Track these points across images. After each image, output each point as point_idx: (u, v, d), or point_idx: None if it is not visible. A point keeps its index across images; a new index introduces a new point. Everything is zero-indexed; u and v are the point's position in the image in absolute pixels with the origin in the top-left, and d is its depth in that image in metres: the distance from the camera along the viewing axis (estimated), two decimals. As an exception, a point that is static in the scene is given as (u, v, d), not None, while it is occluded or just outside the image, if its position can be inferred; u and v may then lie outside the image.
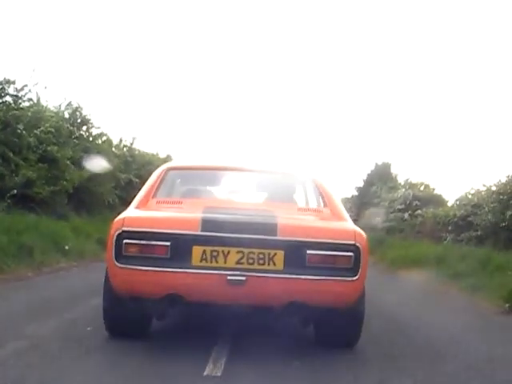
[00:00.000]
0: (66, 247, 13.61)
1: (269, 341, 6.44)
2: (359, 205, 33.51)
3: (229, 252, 5.45)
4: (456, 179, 50.32)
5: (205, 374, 5.15)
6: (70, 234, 14.69)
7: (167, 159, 27.84)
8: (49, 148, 16.30)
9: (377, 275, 16.83)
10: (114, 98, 53.33)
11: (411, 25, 55.42)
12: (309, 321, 6.36)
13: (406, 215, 24.95)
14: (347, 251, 5.57)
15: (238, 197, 7.06)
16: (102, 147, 21.01)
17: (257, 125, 65.60)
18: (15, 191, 14.21)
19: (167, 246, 5.46)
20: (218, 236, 5.46)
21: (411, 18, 53.53)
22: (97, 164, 15.98)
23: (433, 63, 53.70)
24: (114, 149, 23.55)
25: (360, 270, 5.58)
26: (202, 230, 5.49)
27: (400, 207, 25.85)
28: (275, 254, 5.48)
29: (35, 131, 16.09)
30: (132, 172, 23.39)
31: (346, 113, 62.68)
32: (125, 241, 5.49)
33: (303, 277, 5.47)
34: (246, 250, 5.45)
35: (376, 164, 35.50)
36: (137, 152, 25.84)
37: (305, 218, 6.42)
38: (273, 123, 68.50)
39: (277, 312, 5.80)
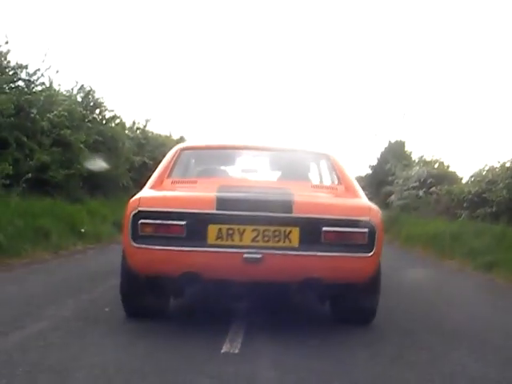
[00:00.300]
0: (82, 230, 13.68)
1: (285, 318, 6.49)
2: (374, 183, 33.40)
3: (244, 230, 5.45)
4: (470, 156, 50.13)
5: (222, 351, 5.19)
6: (86, 217, 14.75)
7: (180, 141, 27.85)
8: (62, 132, 16.32)
9: (392, 253, 16.86)
10: (127, 80, 53.46)
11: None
12: (325, 297, 6.40)
13: (421, 193, 24.86)
14: (362, 227, 5.56)
15: (253, 175, 7.07)
16: (116, 130, 21.03)
17: (271, 104, 65.37)
18: (30, 175, 14.26)
19: (183, 225, 5.45)
20: (233, 214, 5.46)
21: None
22: (97, 164, 15.98)
23: (445, 37, 53.32)
24: (127, 131, 23.57)
25: (375, 247, 5.58)
26: (217, 209, 5.48)
27: (414, 185, 25.74)
28: (290, 231, 5.47)
29: (48, 115, 16.10)
30: (146, 154, 23.42)
31: (358, 90, 62.33)
32: (141, 221, 5.50)
33: (319, 253, 5.48)
34: (261, 228, 5.45)
35: (389, 142, 35.30)
36: (150, 134, 25.85)
37: (320, 195, 6.42)
38: (286, 102, 68.32)
39: (293, 288, 5.86)
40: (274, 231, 5.47)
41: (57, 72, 17.27)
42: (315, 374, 4.72)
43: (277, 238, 5.47)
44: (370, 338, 6.04)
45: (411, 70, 58.90)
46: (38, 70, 16.38)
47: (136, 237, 5.52)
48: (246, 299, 6.96)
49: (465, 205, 19.52)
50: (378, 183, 32.06)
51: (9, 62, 15.91)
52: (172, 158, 6.89)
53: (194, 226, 5.46)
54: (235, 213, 5.46)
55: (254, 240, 5.46)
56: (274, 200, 5.61)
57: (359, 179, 39.38)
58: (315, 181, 7.24)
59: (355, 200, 6.27)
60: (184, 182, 6.65)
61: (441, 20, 55.57)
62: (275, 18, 61.84)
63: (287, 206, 5.54)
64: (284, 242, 5.47)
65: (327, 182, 7.10)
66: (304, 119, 64.93)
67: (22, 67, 16.06)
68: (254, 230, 5.46)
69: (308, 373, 4.72)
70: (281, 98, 64.26)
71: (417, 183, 25.71)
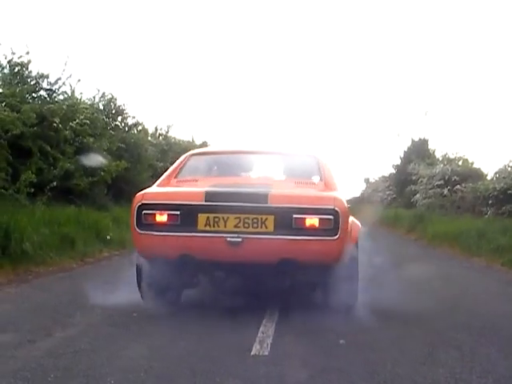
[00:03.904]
0: (108, 237, 13.72)
1: (313, 320, 6.47)
2: (398, 183, 33.33)
3: (228, 218, 6.40)
4: (495, 152, 49.82)
5: (252, 353, 5.22)
6: (111, 224, 14.79)
7: (203, 146, 27.95)
8: (85, 140, 16.44)
9: (419, 251, 16.80)
10: (148, 87, 53.63)
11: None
12: (313, 284, 7.16)
13: (446, 191, 24.76)
14: (327, 214, 6.41)
15: (249, 175, 8.08)
16: (138, 137, 21.13)
17: (293, 107, 65.47)
18: (55, 183, 14.36)
19: (177, 214, 6.49)
20: (218, 205, 6.43)
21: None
22: (93, 159, 15.93)
23: (470, 32, 52.98)
24: (149, 138, 23.68)
25: (339, 231, 6.39)
26: (205, 201, 6.49)
27: (439, 183, 25.66)
28: (266, 218, 6.39)
29: (71, 124, 16.23)
30: (169, 160, 23.43)
31: (380, 91, 62.19)
32: (144, 211, 6.60)
33: (290, 237, 6.37)
34: (242, 216, 6.39)
35: (413, 140, 35.18)
36: (173, 140, 25.96)
37: (296, 189, 7.21)
38: (310, 105, 68.44)
39: (272, 269, 6.58)
40: (253, 219, 6.39)
41: (78, 81, 17.56)
42: (344, 375, 4.71)
43: (255, 225, 6.39)
44: (398, 337, 6.03)
45: (433, 67, 58.71)
46: (60, 79, 16.55)
47: (140, 224, 6.62)
48: (273, 301, 7.00)
49: (490, 202, 19.41)
50: (402, 183, 32.03)
51: (30, 71, 16.10)
52: (181, 162, 7.95)
53: (187, 215, 6.47)
54: (220, 203, 6.43)
55: (236, 226, 6.40)
56: (253, 193, 6.58)
57: (383, 179, 39.39)
58: (301, 178, 7.75)
59: (325, 192, 7.05)
60: (187, 181, 7.48)
61: (463, 17, 55.34)
62: (293, 24, 61.85)
63: (263, 197, 6.48)
64: (261, 227, 6.39)
65: (312, 178, 7.70)
66: (328, 122, 65.05)
67: (43, 77, 16.23)
68: (236, 218, 6.41)
69: (337, 374, 4.71)
70: (305, 100, 64.25)
71: (441, 181, 25.62)
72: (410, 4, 56.85)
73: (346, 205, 6.67)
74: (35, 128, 14.56)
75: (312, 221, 6.41)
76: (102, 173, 16.72)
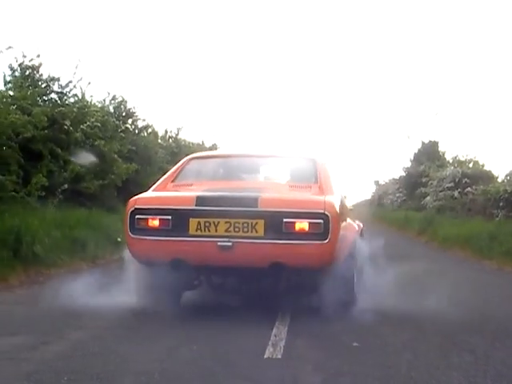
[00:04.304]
0: (119, 239, 13.72)
1: (326, 322, 6.46)
2: (408, 185, 33.27)
3: (218, 222, 6.44)
4: (505, 154, 49.63)
5: (265, 356, 5.21)
6: (121, 227, 14.77)
7: (213, 148, 27.96)
8: (96, 143, 16.45)
9: (430, 254, 16.75)
10: (158, 89, 53.74)
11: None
12: (307, 287, 7.02)
13: (456, 193, 24.68)
14: (317, 218, 6.40)
15: (244, 179, 8.11)
16: (148, 139, 21.14)
17: (304, 111, 65.56)
18: (65, 186, 14.39)
19: (169, 219, 6.54)
20: (209, 209, 6.50)
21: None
22: (84, 158, 15.85)
23: (479, 33, 52.83)
24: (160, 140, 23.69)
25: (330, 235, 6.36)
26: (196, 205, 6.54)
27: (449, 185, 25.57)
28: (257, 222, 6.41)
29: (81, 127, 16.25)
30: (179, 162, 23.44)
31: (390, 93, 62.14)
32: (136, 216, 6.64)
33: (281, 241, 6.39)
34: (232, 220, 6.42)
35: (423, 143, 35.10)
36: (183, 143, 25.94)
37: (288, 193, 7.24)
38: (319, 107, 68.45)
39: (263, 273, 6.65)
40: (243, 223, 6.42)
41: (89, 83, 17.43)
42: (358, 378, 4.69)
43: (245, 229, 6.41)
44: (411, 340, 6.01)
45: (443, 68, 58.65)
46: (70, 82, 16.55)
47: (133, 229, 6.66)
48: (285, 304, 7.00)
49: (501, 204, 19.33)
50: (412, 185, 31.95)
51: (41, 74, 16.12)
52: (180, 166, 8.00)
53: (178, 220, 6.53)
54: (211, 208, 6.51)
55: (226, 230, 6.42)
56: (243, 197, 6.62)
57: (393, 182, 39.31)
58: (296, 181, 7.76)
59: (317, 196, 6.97)
60: (183, 186, 7.48)
61: (472, 19, 55.23)
62: (304, 28, 61.86)
63: (253, 201, 6.51)
64: (251, 232, 6.41)
65: (308, 181, 7.61)
66: (338, 124, 65.10)
67: (54, 80, 16.24)
68: (226, 222, 6.43)
69: (351, 377, 4.70)
70: (315, 103, 64.27)
71: (451, 184, 25.54)
72: (419, 4, 56.81)
73: (337, 209, 6.66)
74: (46, 131, 14.58)
75: (302, 225, 6.42)
76: (113, 176, 16.74)
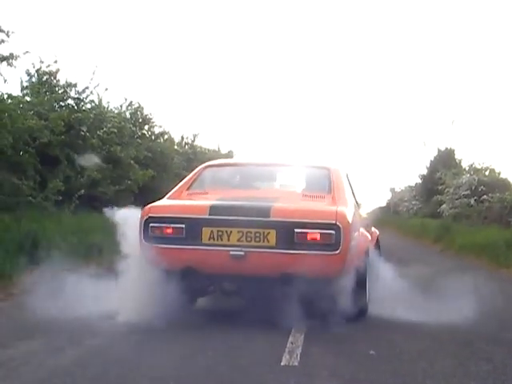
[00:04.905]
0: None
1: (342, 330, 6.44)
2: (424, 193, 33.13)
3: (231, 232, 6.53)
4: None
5: (282, 363, 5.20)
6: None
7: (229, 155, 27.96)
8: (112, 149, 16.52)
9: (446, 262, 16.64)
10: (174, 95, 53.79)
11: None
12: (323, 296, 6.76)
13: (472, 201, 24.52)
14: (329, 229, 6.44)
15: (258, 188, 8.07)
16: (165, 146, 21.18)
17: (321, 117, 65.56)
18: (82, 191, 14.44)
19: (182, 227, 6.63)
20: (222, 219, 6.58)
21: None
22: (88, 160, 15.82)
23: (495, 40, 52.67)
24: (176, 147, 23.72)
25: (341, 246, 6.41)
26: (209, 214, 6.63)
27: (465, 193, 25.40)
28: (268, 232, 6.49)
29: (98, 132, 16.33)
30: (195, 169, 23.43)
31: (406, 99, 62.06)
32: (150, 224, 6.73)
33: (292, 251, 6.44)
34: (244, 230, 6.50)
35: (439, 150, 34.93)
36: (198, 149, 25.97)
37: (300, 203, 7.28)
38: (336, 114, 68.47)
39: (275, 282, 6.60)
40: (255, 233, 6.50)
41: (106, 90, 17.48)
42: (374, 386, 4.68)
43: (257, 239, 6.50)
44: (428, 349, 5.99)
45: (460, 75, 58.45)
46: (87, 87, 16.60)
47: (147, 237, 6.73)
48: (301, 313, 6.99)
49: (517, 212, 19.20)
50: (428, 192, 31.81)
51: (58, 80, 16.19)
52: (195, 174, 8.13)
53: (191, 229, 6.61)
54: (223, 217, 6.58)
55: (239, 240, 6.52)
56: (255, 207, 6.68)
57: (409, 189, 39.21)
58: (309, 191, 7.78)
59: (329, 206, 6.99)
60: (197, 194, 7.60)
61: (487, 25, 55.03)
62: (320, 37, 61.87)
63: (265, 211, 6.60)
64: (263, 241, 6.49)
65: (321, 191, 7.65)
66: (354, 131, 65.13)
67: (71, 85, 16.30)
68: (238, 232, 6.52)
69: (367, 385, 4.69)
70: (332, 109, 64.20)
71: (468, 191, 25.36)
72: (436, 11, 56.68)
73: (349, 219, 6.66)
74: (63, 136, 14.64)
75: (313, 235, 6.47)
76: (129, 181, 16.79)
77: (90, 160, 15.36)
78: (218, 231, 6.53)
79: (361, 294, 6.97)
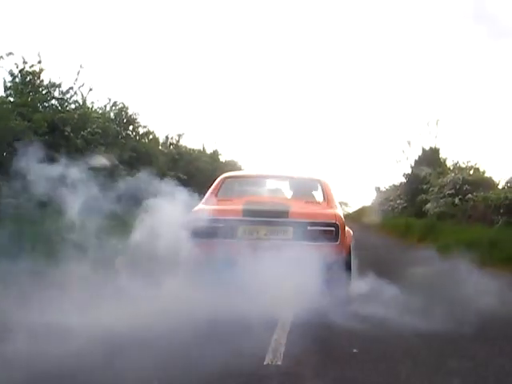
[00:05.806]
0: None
1: (326, 328, 6.45)
2: (408, 192, 33.17)
3: (260, 229, 8.48)
4: (506, 161, 49.53)
5: (265, 363, 5.21)
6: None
7: (214, 155, 27.94)
8: (96, 149, 16.44)
9: (429, 261, 16.69)
10: (158, 95, 53.59)
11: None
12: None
13: (457, 200, 24.58)
14: (331, 226, 8.53)
15: (271, 195, 10.11)
16: (149, 146, 21.13)
17: (304, 116, 65.71)
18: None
19: (223, 226, 8.45)
20: (253, 219, 8.51)
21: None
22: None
23: (479, 40, 52.87)
24: (160, 147, 23.66)
25: (339, 238, 8.49)
26: (243, 216, 8.54)
27: (450, 192, 25.47)
28: (287, 229, 8.47)
29: (82, 133, 16.24)
30: (179, 169, 23.38)
31: (390, 98, 62.23)
32: (196, 224, 8.36)
33: (304, 242, 8.24)
34: (269, 228, 8.50)
35: (423, 149, 34.96)
36: (183, 149, 25.90)
37: (308, 207, 9.22)
38: (319, 113, 68.57)
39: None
40: (277, 229, 8.48)
41: (90, 90, 17.44)
42: (358, 384, 4.69)
43: (279, 234, 8.47)
44: (412, 347, 6.01)
45: (444, 74, 58.60)
46: (71, 88, 16.57)
47: (194, 234, 8.34)
48: (284, 310, 7.01)
49: (502, 211, 19.26)
50: (412, 192, 31.82)
51: (42, 80, 16.08)
52: (218, 184, 9.92)
53: (230, 227, 8.46)
54: (254, 218, 8.53)
55: (265, 235, 8.45)
56: (277, 210, 8.66)
57: (394, 188, 39.29)
58: (309, 198, 9.91)
59: (329, 210, 9.10)
60: (225, 200, 9.40)
61: (471, 26, 55.27)
62: (305, 39, 61.98)
63: (285, 213, 8.60)
64: (283, 235, 8.45)
65: (317, 198, 9.90)
66: (338, 131, 65.24)
67: (55, 86, 16.23)
68: (265, 229, 8.46)
69: (351, 383, 4.69)
70: (315, 109, 64.25)
71: (452, 190, 25.43)
72: (419, 12, 56.79)
73: (343, 219, 8.82)
74: (46, 137, 14.56)
75: (321, 231, 8.44)
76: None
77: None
78: (250, 229, 8.49)
79: (348, 272, 8.67)
